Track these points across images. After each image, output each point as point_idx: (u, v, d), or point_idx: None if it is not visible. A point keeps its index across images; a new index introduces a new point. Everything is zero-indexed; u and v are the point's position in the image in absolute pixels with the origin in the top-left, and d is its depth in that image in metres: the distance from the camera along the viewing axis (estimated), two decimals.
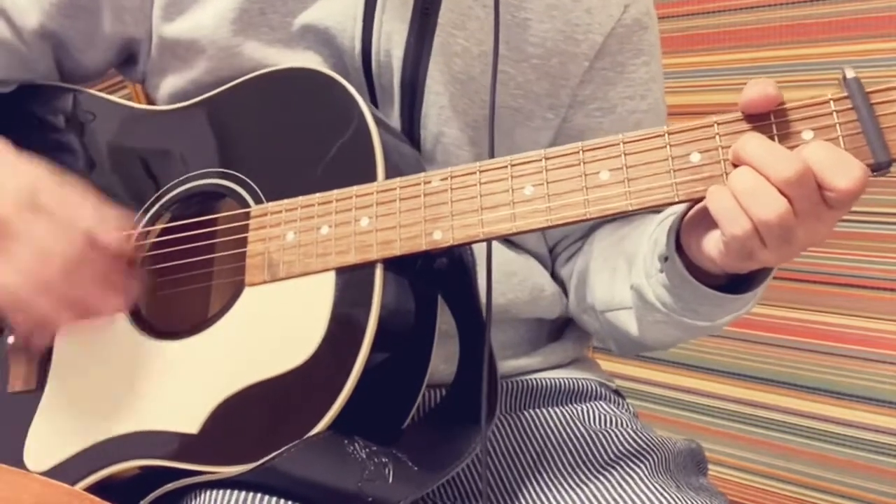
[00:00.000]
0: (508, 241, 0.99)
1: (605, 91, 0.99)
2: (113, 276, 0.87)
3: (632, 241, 0.93)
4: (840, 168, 0.67)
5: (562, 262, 1.05)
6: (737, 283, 0.80)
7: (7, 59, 0.99)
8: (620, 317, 0.94)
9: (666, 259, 0.81)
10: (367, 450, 0.77)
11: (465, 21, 0.92)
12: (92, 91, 1.02)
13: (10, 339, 0.94)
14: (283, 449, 0.75)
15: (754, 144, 0.69)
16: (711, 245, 0.74)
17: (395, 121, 0.93)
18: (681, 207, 0.78)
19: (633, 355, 1.02)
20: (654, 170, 0.72)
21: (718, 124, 0.72)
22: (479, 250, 0.84)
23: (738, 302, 0.82)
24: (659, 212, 0.91)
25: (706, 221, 0.73)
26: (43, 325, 0.88)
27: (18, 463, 0.88)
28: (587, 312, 1.00)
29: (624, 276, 0.92)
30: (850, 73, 0.69)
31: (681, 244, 0.79)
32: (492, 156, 0.81)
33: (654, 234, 0.87)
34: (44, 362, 0.92)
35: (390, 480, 0.78)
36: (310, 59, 0.93)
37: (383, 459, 0.78)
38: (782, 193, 0.67)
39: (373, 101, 0.93)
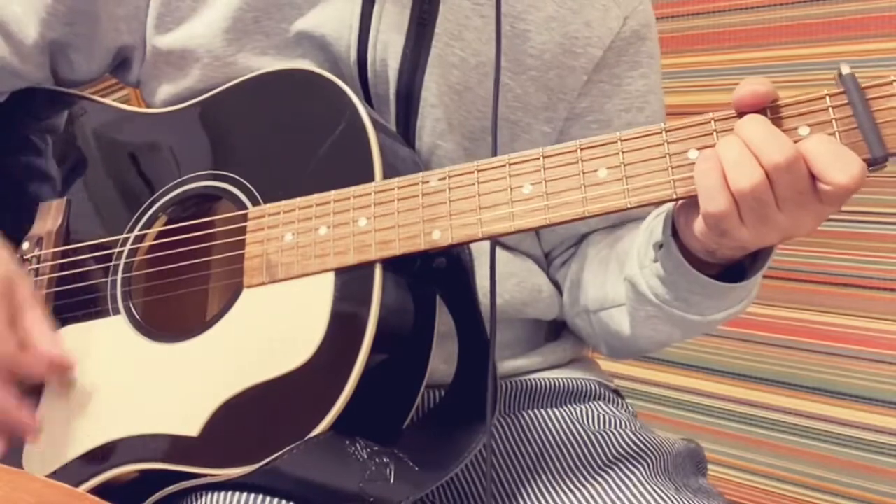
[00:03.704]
0: (505, 244, 0.99)
1: (602, 104, 0.99)
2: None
3: (625, 242, 0.93)
4: (839, 163, 0.67)
5: (556, 266, 1.05)
6: (731, 278, 0.80)
7: (0, 74, 0.99)
8: (613, 315, 0.94)
9: (661, 247, 0.82)
10: (369, 450, 0.77)
11: (463, 31, 0.92)
12: (88, 95, 1.02)
13: None
14: (284, 450, 0.75)
15: (752, 125, 0.70)
16: (699, 223, 0.74)
17: None
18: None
19: (626, 358, 1.03)
20: (652, 167, 0.73)
21: (715, 121, 0.72)
22: (478, 251, 0.84)
23: (730, 294, 0.82)
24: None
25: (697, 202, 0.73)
26: None
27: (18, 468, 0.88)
28: (580, 316, 1.00)
29: (617, 274, 0.92)
30: (845, 70, 0.69)
31: (677, 233, 0.80)
32: (495, 144, 0.82)
33: (649, 226, 0.87)
34: None
35: (392, 481, 0.77)
36: (305, 66, 0.92)
37: (385, 459, 0.78)
38: (767, 176, 0.68)
39: None
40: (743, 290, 0.82)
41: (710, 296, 0.82)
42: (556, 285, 1.04)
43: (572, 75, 0.96)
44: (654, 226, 0.85)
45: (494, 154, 0.81)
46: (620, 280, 0.91)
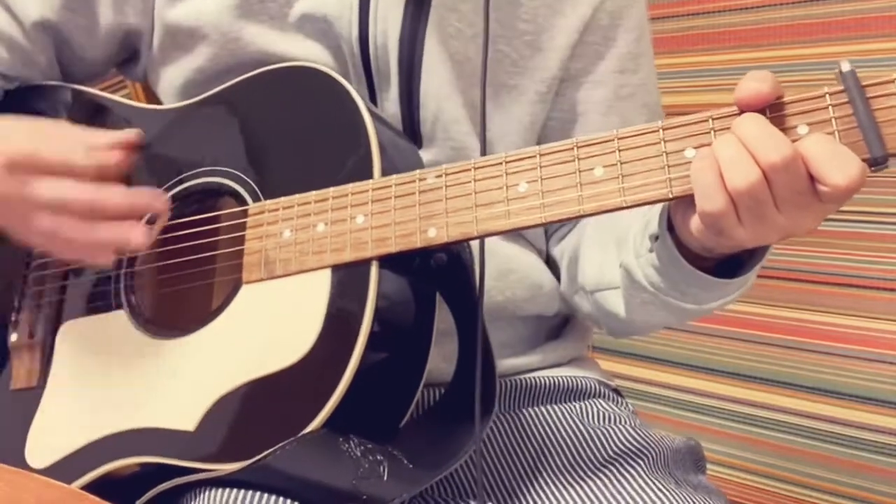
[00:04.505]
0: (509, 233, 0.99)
1: (596, 64, 1.01)
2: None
3: (623, 223, 0.93)
4: (837, 164, 0.66)
5: (554, 241, 1.05)
6: (726, 269, 0.80)
7: (8, 53, 1.00)
8: (609, 297, 0.94)
9: (656, 238, 0.81)
10: (362, 447, 0.77)
11: (458, 3, 0.94)
12: (92, 90, 1.03)
13: (14, 337, 0.95)
14: (276, 447, 0.76)
15: (750, 124, 0.69)
16: (696, 221, 0.73)
17: (393, 104, 0.94)
18: None
19: (625, 337, 1.02)
20: (649, 165, 0.72)
21: (713, 119, 0.72)
22: (478, 249, 0.85)
23: (726, 287, 0.81)
24: None
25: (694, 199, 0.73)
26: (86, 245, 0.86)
27: (20, 460, 0.89)
28: (578, 293, 1.00)
29: (614, 256, 0.92)
30: (846, 67, 0.68)
31: (672, 224, 0.79)
32: (483, 139, 0.83)
33: (646, 214, 0.86)
34: (46, 359, 0.93)
35: (385, 478, 0.78)
36: (308, 47, 0.94)
37: (378, 457, 0.78)
38: (765, 176, 0.67)
39: (371, 86, 0.94)
40: (739, 284, 0.81)
41: (705, 288, 0.82)
42: (551, 262, 1.05)
43: (563, 33, 0.98)
44: (650, 216, 0.85)
45: (483, 151, 0.81)
46: (617, 264, 0.91)
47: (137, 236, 0.84)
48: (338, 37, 0.93)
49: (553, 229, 1.06)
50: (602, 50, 1.01)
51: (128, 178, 0.97)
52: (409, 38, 0.93)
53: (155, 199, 0.87)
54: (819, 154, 0.67)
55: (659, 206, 0.81)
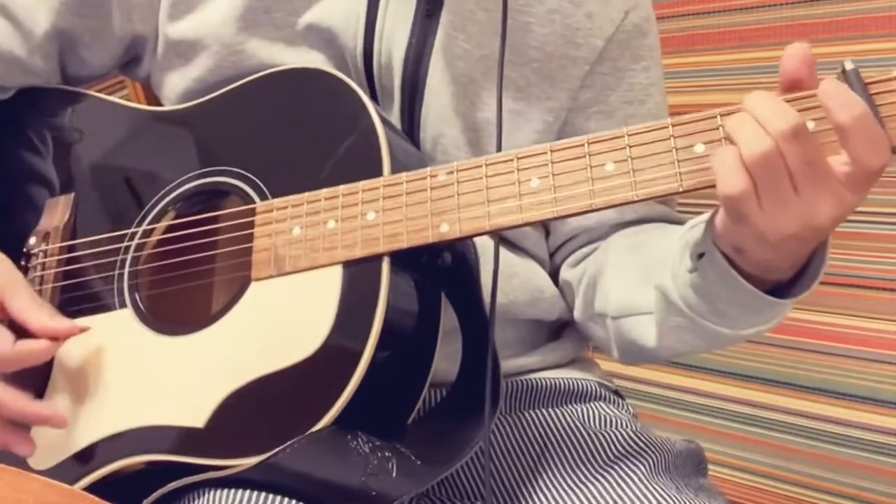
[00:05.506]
0: (509, 242, 0.99)
1: (606, 95, 1.00)
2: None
3: (653, 249, 0.92)
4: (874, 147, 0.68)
5: (569, 265, 1.03)
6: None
7: (8, 68, 1.00)
8: (635, 323, 0.91)
9: (700, 256, 0.79)
10: (371, 444, 0.78)
11: (467, 24, 0.93)
12: (94, 93, 1.03)
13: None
14: (287, 444, 0.76)
15: (757, 100, 0.69)
16: (720, 216, 0.73)
17: (394, 121, 0.94)
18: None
19: (636, 364, 1.01)
20: (659, 161, 0.73)
21: (721, 115, 0.72)
22: (483, 249, 0.85)
23: (771, 310, 0.79)
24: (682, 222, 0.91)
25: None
26: None
27: (21, 460, 0.88)
28: (594, 319, 0.99)
29: (642, 282, 0.90)
30: (849, 65, 0.69)
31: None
32: (499, 137, 0.83)
33: (684, 236, 0.84)
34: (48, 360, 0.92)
35: (394, 475, 0.78)
36: (312, 59, 0.93)
37: (387, 454, 0.78)
38: (778, 147, 0.67)
39: (374, 100, 0.94)
40: (783, 307, 0.79)
41: (749, 308, 0.80)
42: (564, 285, 1.04)
43: (574, 65, 0.97)
44: (689, 237, 0.82)
45: (499, 148, 0.82)
46: (648, 288, 0.88)
47: (19, 449, 0.86)
48: (342, 49, 0.93)
49: (565, 254, 1.04)
50: (612, 81, 1.00)
51: (134, 178, 0.97)
52: (414, 58, 0.92)
53: (50, 417, 0.87)
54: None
55: (700, 229, 0.80)
